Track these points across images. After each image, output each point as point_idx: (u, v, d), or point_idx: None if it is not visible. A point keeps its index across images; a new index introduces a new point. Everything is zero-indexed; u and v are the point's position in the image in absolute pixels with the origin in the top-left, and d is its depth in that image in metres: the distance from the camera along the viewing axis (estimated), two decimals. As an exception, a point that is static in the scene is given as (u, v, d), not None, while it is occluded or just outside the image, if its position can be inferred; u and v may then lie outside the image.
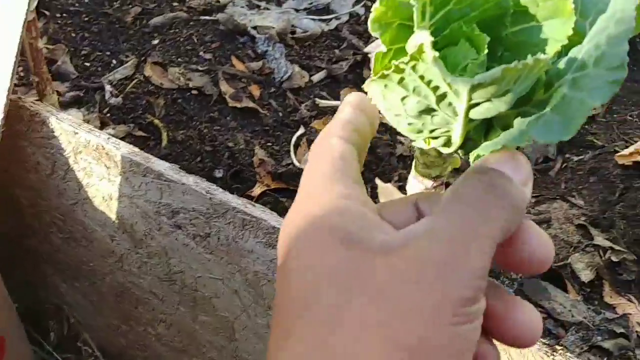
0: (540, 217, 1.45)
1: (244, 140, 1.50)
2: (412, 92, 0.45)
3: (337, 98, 1.63)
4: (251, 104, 1.59)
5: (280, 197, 1.38)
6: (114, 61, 1.69)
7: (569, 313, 1.24)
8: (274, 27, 1.80)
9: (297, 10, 1.88)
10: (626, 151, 1.56)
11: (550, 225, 1.44)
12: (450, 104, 0.45)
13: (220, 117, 1.56)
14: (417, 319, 0.36)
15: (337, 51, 1.76)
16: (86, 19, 1.80)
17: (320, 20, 1.86)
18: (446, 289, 0.36)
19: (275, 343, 0.40)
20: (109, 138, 1.01)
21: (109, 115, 1.53)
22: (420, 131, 0.49)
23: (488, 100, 0.43)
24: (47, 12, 1.80)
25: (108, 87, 1.58)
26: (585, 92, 0.40)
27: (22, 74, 1.60)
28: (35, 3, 1.01)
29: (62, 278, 1.27)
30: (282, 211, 1.37)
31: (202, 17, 1.81)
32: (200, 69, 1.66)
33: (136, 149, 1.01)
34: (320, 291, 0.38)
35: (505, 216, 0.39)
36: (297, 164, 1.45)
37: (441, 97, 0.44)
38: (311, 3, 1.90)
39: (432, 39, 0.41)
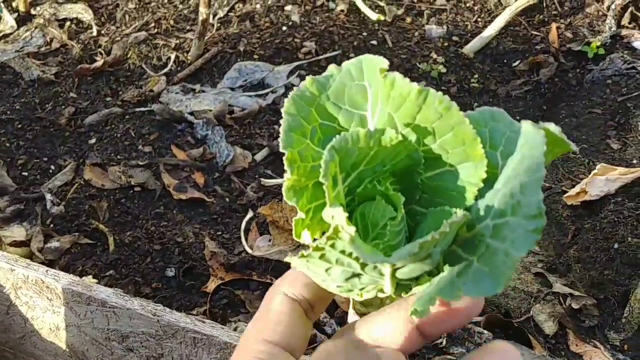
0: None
1: (193, 232, 1.48)
2: (335, 263, 0.45)
3: (282, 175, 1.62)
4: (196, 194, 1.57)
5: (236, 290, 1.36)
6: (52, 167, 1.66)
7: (538, 371, 1.24)
8: (211, 110, 1.79)
9: (232, 89, 1.88)
10: (573, 191, 1.58)
11: (509, 277, 1.44)
12: (375, 267, 0.45)
13: (167, 211, 1.54)
14: None
15: (276, 126, 1.76)
16: (19, 126, 1.78)
17: (256, 96, 1.86)
18: None
19: None
20: (47, 270, 0.99)
21: (52, 226, 1.50)
22: (350, 290, 0.49)
23: (412, 263, 0.43)
24: (-22, 125, 1.77)
25: (48, 196, 1.55)
26: (508, 242, 0.40)
27: (-42, 193, 1.57)
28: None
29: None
30: (239, 304, 1.35)
31: (137, 109, 1.80)
32: (141, 163, 1.65)
33: (76, 279, 0.98)
34: None
35: None
36: (249, 250, 1.43)
37: (364, 264, 0.44)
38: (246, 80, 1.90)
39: (346, 215, 0.41)
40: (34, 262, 1.00)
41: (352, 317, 0.61)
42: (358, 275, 0.46)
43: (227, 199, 1.58)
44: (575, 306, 1.35)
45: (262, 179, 1.61)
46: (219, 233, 1.50)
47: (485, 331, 1.25)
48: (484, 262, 0.41)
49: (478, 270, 0.41)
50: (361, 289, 0.49)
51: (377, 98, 0.47)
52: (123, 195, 1.57)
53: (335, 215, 0.42)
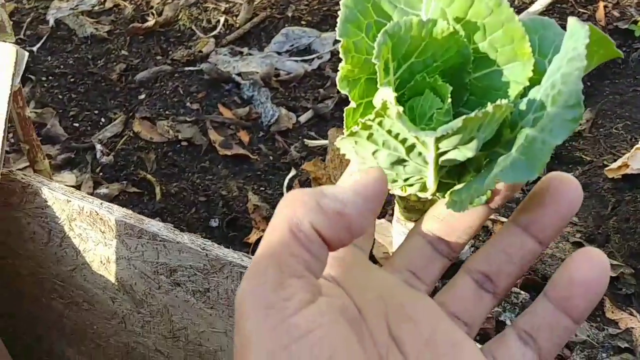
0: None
1: (237, 187, 1.52)
2: (382, 146, 0.47)
3: (325, 137, 1.65)
4: (241, 151, 1.61)
5: (277, 242, 1.39)
6: (103, 119, 1.71)
7: (572, 333, 1.25)
8: (258, 72, 1.82)
9: (279, 54, 1.91)
10: (614, 165, 1.58)
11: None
12: (419, 153, 0.46)
13: (212, 166, 1.58)
14: None
15: (321, 90, 1.79)
16: (72, 80, 1.83)
17: (302, 61, 1.89)
18: None
19: None
20: (102, 203, 1.03)
21: (101, 174, 1.55)
22: (395, 180, 0.50)
23: (455, 148, 0.45)
24: (32, 77, 1.82)
25: (98, 147, 1.60)
26: (546, 132, 0.41)
27: (12, 140, 1.62)
28: (20, 77, 1.03)
29: (68, 343, 1.28)
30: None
31: (187, 68, 1.84)
32: (188, 119, 1.69)
33: (129, 212, 1.02)
34: None
35: None
36: (291, 206, 1.46)
37: (410, 149, 0.46)
38: (292, 45, 1.93)
39: (395, 94, 0.43)
40: (89, 195, 1.04)
41: (395, 225, 0.63)
42: (403, 161, 0.48)
43: (271, 157, 1.61)
44: (612, 274, 1.36)
45: (305, 140, 1.64)
46: (262, 188, 1.53)
47: (522, 292, 1.27)
48: (522, 151, 0.42)
49: (515, 159, 0.42)
50: (405, 180, 0.50)
51: None
52: (170, 149, 1.61)
53: (385, 94, 0.44)
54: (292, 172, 1.55)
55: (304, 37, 1.95)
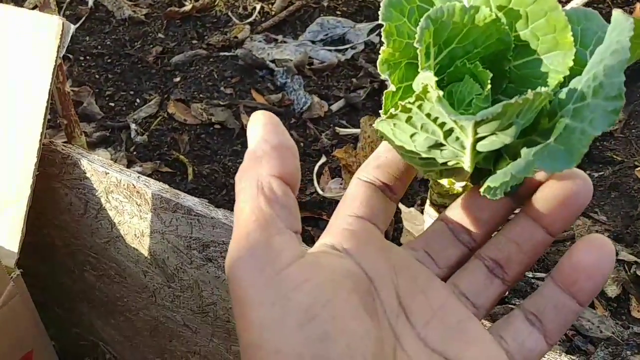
0: (564, 235, 1.46)
1: (268, 171, 1.53)
2: (420, 129, 0.48)
3: (357, 126, 1.66)
4: (273, 136, 1.62)
5: (306, 226, 1.41)
6: (138, 100, 1.73)
7: (597, 329, 1.25)
8: (291, 60, 1.84)
9: (313, 42, 1.92)
10: (646, 165, 1.58)
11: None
12: (457, 138, 0.47)
13: (244, 150, 1.60)
14: None
15: (354, 80, 1.80)
16: (109, 60, 1.85)
17: (336, 50, 1.90)
18: None
19: None
20: (139, 177, 1.05)
21: (135, 153, 1.57)
22: (432, 164, 0.51)
23: (493, 133, 0.45)
24: (70, 56, 1.85)
25: (133, 126, 1.63)
26: (586, 122, 0.42)
27: (49, 116, 1.65)
28: (64, 50, 1.05)
29: (97, 315, 1.30)
30: (307, 240, 1.39)
31: (222, 54, 1.86)
32: (222, 103, 1.70)
33: (166, 186, 1.04)
34: None
35: None
36: (320, 192, 1.48)
37: (448, 133, 0.47)
38: (327, 34, 1.94)
39: (435, 78, 0.44)
40: (126, 169, 1.06)
41: (428, 210, 0.64)
42: (440, 145, 0.49)
43: (302, 144, 1.62)
44: (639, 274, 1.35)
45: (337, 128, 1.65)
46: (293, 174, 1.54)
47: (534, 278, 1.27)
48: (560, 141, 0.43)
49: (554, 148, 0.43)
50: (442, 165, 0.51)
51: None
52: (203, 131, 1.63)
53: (426, 78, 0.45)
54: (323, 159, 1.56)
55: (338, 27, 1.96)
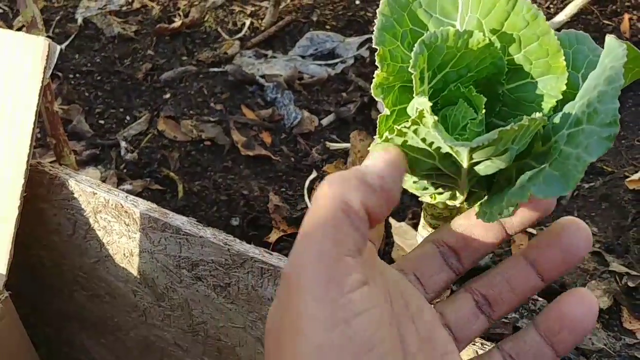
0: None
1: (258, 187, 1.53)
2: (416, 153, 0.48)
3: (347, 140, 1.66)
4: (263, 152, 1.62)
5: (297, 242, 1.41)
6: (128, 117, 1.73)
7: (589, 341, 1.25)
8: (281, 75, 1.84)
9: (303, 57, 1.93)
10: (636, 176, 1.58)
11: (566, 254, 1.45)
12: (453, 162, 0.47)
13: (234, 166, 1.60)
14: None
15: (344, 94, 1.80)
16: (99, 77, 1.85)
17: (326, 65, 1.90)
18: None
19: None
20: (127, 196, 1.04)
21: (125, 170, 1.57)
22: (426, 188, 0.51)
23: (488, 158, 0.45)
24: (60, 74, 1.85)
25: (123, 144, 1.62)
26: (581, 148, 0.42)
27: (38, 135, 1.65)
28: (51, 71, 1.05)
29: (88, 334, 1.29)
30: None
31: (211, 69, 1.86)
32: (212, 120, 1.70)
33: (154, 205, 1.04)
34: None
35: None
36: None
37: (444, 157, 0.47)
38: (317, 49, 1.95)
39: (430, 104, 0.44)
40: (114, 188, 1.06)
41: (421, 232, 0.64)
42: (436, 169, 0.49)
43: (293, 159, 1.62)
44: (631, 284, 1.36)
45: (327, 142, 1.65)
46: (283, 189, 1.54)
47: (541, 299, 1.27)
48: (555, 166, 0.43)
49: (549, 173, 0.43)
50: (436, 188, 0.51)
51: (468, 7, 0.49)
52: (193, 148, 1.63)
53: (421, 103, 0.45)
54: (313, 174, 1.56)
55: (328, 42, 1.97)
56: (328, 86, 1.84)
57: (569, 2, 2.11)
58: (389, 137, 0.47)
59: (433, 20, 0.50)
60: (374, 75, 0.49)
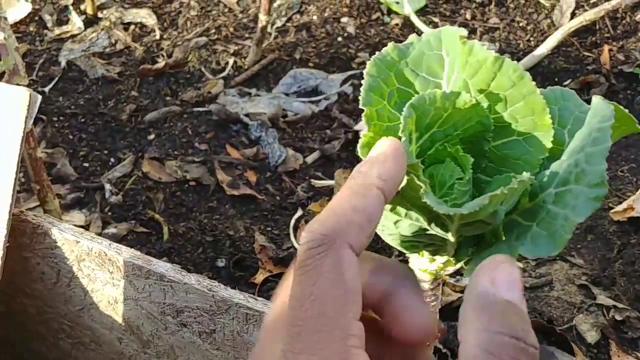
0: (542, 280, 1.47)
1: (244, 227, 1.53)
2: (404, 217, 0.48)
3: (332, 177, 1.66)
4: (248, 191, 1.62)
5: (283, 282, 1.40)
6: (112, 159, 1.73)
7: (579, 377, 1.25)
8: (265, 113, 1.85)
9: (287, 95, 1.94)
10: (620, 207, 1.59)
11: (553, 287, 1.46)
12: (442, 224, 0.47)
13: (219, 206, 1.60)
14: None
15: (328, 131, 1.81)
16: (82, 120, 1.85)
17: (310, 102, 1.91)
18: None
19: None
20: (110, 244, 1.04)
21: (110, 213, 1.57)
22: (414, 246, 0.51)
23: (478, 220, 0.46)
24: (44, 117, 1.85)
25: (108, 186, 1.62)
26: (569, 208, 0.42)
27: (23, 179, 1.64)
28: (32, 120, 1.05)
29: (73, 382, 1.28)
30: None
31: (195, 109, 1.86)
32: (197, 160, 1.71)
33: (137, 253, 1.03)
34: None
35: None
36: (297, 246, 1.47)
37: (433, 219, 0.47)
38: (300, 86, 1.96)
39: (422, 167, 0.44)
40: (98, 236, 1.05)
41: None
42: (425, 230, 0.49)
43: (278, 197, 1.62)
44: (618, 318, 1.36)
45: (312, 180, 1.65)
46: (269, 229, 1.54)
47: (527, 334, 1.27)
48: (543, 226, 0.43)
49: (536, 233, 0.43)
50: (425, 246, 0.51)
51: (454, 66, 0.49)
52: (178, 189, 1.63)
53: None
54: (299, 212, 1.56)
55: (311, 79, 1.98)
56: (312, 123, 1.85)
57: (549, 35, 2.14)
58: None
59: (419, 79, 0.50)
60: (360, 136, 0.49)
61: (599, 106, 0.45)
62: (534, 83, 0.47)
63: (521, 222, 0.46)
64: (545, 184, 0.46)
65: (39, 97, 1.00)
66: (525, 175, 0.44)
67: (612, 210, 1.61)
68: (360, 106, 0.48)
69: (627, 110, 0.46)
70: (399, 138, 0.45)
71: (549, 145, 0.48)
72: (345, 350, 0.36)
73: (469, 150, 0.50)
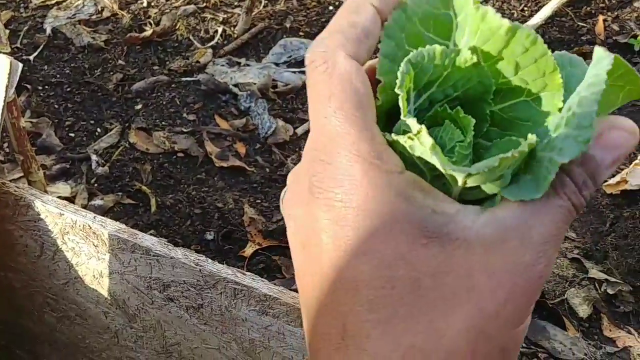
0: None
1: (233, 199, 1.51)
2: (409, 166, 0.46)
3: (323, 149, 1.64)
4: (237, 163, 1.60)
5: (273, 255, 1.38)
6: (99, 130, 1.70)
7: (570, 351, 1.24)
8: (255, 83, 1.81)
9: (277, 65, 1.90)
10: (613, 180, 1.57)
11: (545, 261, 1.45)
12: (444, 184, 0.45)
13: (208, 177, 1.57)
14: None
15: (319, 102, 1.78)
16: (68, 89, 1.82)
17: (300, 72, 1.88)
18: None
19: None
20: (95, 217, 1.02)
21: (96, 185, 1.54)
22: None
23: (482, 183, 0.44)
24: (28, 86, 1.81)
25: (94, 157, 1.59)
26: (555, 151, 0.41)
27: (7, 149, 1.61)
28: (13, 88, 1.02)
29: (59, 357, 1.26)
30: (275, 270, 1.37)
31: (183, 79, 1.83)
32: (185, 130, 1.68)
33: (123, 226, 1.01)
34: (407, 290, 0.36)
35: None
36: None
37: (436, 178, 0.45)
38: (290, 56, 1.92)
39: (423, 126, 0.42)
40: (82, 209, 1.03)
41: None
42: None
43: (268, 169, 1.60)
44: (610, 292, 1.35)
45: (302, 152, 1.63)
46: (258, 201, 1.52)
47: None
48: (529, 170, 0.42)
49: (522, 178, 0.42)
50: None
51: (464, 30, 0.47)
52: (166, 160, 1.60)
53: (411, 126, 0.43)
54: (289, 185, 1.54)
55: (302, 48, 1.94)
56: (303, 94, 1.82)
57: (544, 5, 2.11)
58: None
59: (426, 39, 0.49)
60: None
61: (600, 55, 0.43)
62: (546, 46, 0.46)
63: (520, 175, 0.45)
64: (541, 137, 0.44)
65: (20, 65, 0.97)
66: (532, 137, 0.42)
67: (605, 184, 1.59)
68: (377, 77, 0.46)
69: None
70: (396, 94, 0.43)
71: (560, 105, 0.47)
72: (376, 149, 0.38)
73: (469, 112, 0.48)
